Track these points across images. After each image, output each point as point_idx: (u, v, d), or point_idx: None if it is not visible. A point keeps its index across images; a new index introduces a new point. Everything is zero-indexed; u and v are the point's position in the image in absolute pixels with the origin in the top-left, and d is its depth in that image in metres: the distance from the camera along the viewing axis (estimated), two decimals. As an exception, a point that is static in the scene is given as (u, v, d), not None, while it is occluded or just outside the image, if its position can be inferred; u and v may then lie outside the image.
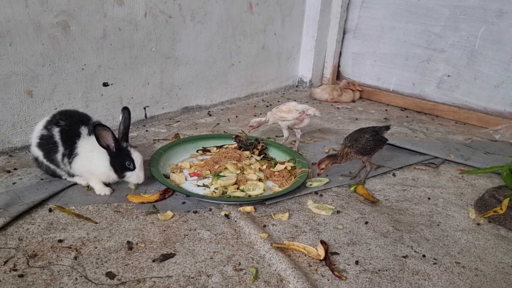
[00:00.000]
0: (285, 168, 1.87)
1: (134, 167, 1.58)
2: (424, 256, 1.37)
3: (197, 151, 2.04)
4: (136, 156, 1.58)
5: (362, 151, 1.75)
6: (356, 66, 3.44)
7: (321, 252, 1.31)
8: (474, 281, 1.27)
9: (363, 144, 1.74)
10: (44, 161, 1.61)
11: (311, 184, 1.78)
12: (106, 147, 1.53)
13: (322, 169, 1.74)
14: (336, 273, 1.25)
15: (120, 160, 1.56)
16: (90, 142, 1.56)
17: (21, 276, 1.14)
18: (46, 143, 1.58)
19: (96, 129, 1.47)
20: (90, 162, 1.57)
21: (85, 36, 1.98)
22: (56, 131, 1.57)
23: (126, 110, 1.60)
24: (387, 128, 1.87)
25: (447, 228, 1.55)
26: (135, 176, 1.59)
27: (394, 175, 1.96)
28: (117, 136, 1.57)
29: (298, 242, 1.38)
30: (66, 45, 1.93)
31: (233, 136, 2.09)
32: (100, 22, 2.02)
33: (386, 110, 3.10)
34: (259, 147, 2.01)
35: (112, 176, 1.60)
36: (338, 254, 1.35)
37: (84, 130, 1.58)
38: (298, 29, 3.32)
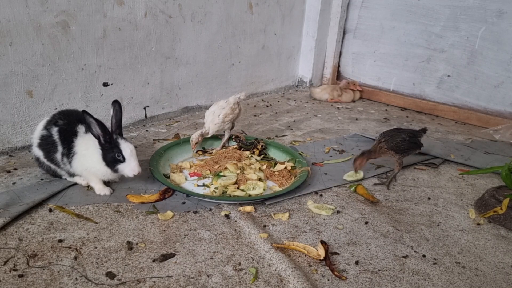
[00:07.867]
0: (285, 168, 1.87)
1: (124, 158, 1.52)
2: (424, 256, 1.37)
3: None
4: (125, 147, 1.52)
5: (396, 149, 1.77)
6: (356, 66, 3.44)
7: (321, 252, 1.31)
8: (474, 281, 1.27)
9: (398, 141, 1.77)
10: (45, 161, 1.61)
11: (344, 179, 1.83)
12: (98, 137, 1.51)
13: (357, 167, 1.77)
14: (336, 273, 1.25)
15: (110, 153, 1.52)
16: (86, 140, 1.55)
17: (21, 276, 1.15)
18: (46, 143, 1.58)
19: (85, 115, 1.46)
20: (87, 160, 1.55)
21: (85, 36, 1.98)
22: (54, 131, 1.57)
23: (116, 103, 1.57)
24: (424, 131, 1.90)
25: (447, 228, 1.55)
26: (128, 168, 1.53)
27: (394, 175, 1.96)
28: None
29: (298, 242, 1.38)
30: (66, 45, 1.93)
31: (233, 137, 2.09)
32: (100, 22, 2.02)
33: (386, 110, 3.10)
34: (259, 147, 2.01)
35: (109, 173, 1.57)
36: (338, 254, 1.35)
37: (81, 129, 1.57)
38: (298, 29, 3.32)
